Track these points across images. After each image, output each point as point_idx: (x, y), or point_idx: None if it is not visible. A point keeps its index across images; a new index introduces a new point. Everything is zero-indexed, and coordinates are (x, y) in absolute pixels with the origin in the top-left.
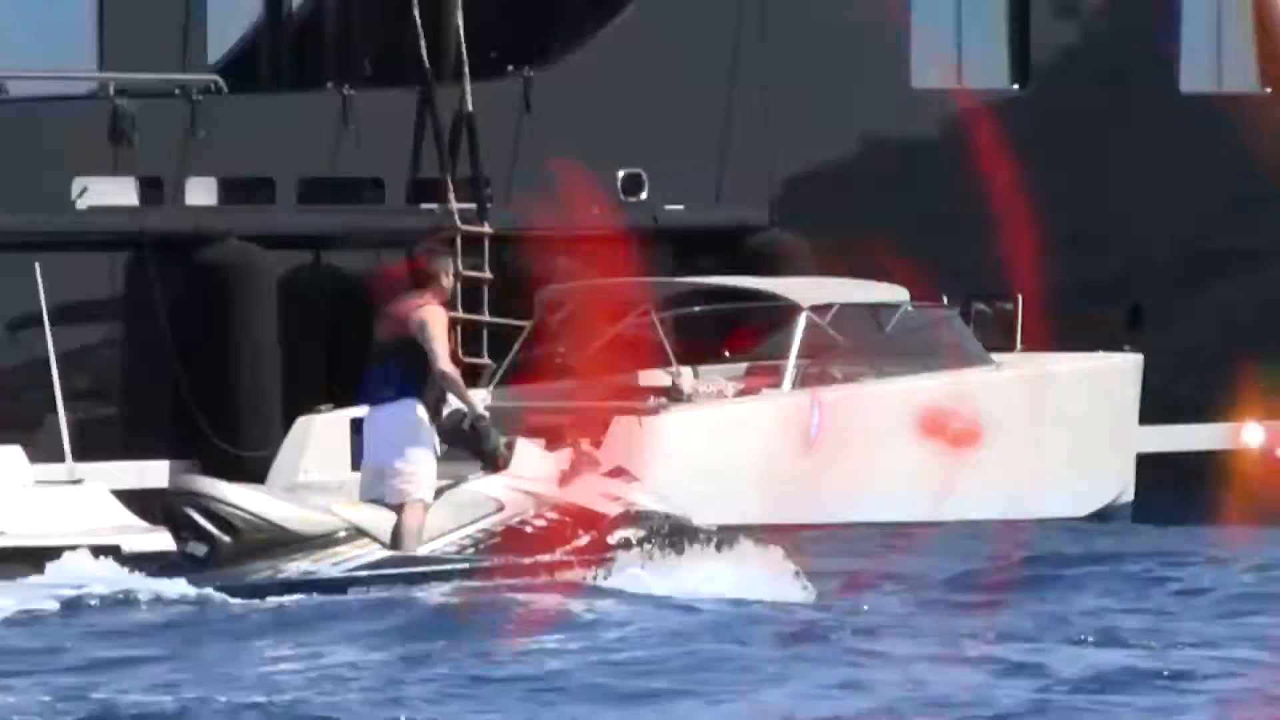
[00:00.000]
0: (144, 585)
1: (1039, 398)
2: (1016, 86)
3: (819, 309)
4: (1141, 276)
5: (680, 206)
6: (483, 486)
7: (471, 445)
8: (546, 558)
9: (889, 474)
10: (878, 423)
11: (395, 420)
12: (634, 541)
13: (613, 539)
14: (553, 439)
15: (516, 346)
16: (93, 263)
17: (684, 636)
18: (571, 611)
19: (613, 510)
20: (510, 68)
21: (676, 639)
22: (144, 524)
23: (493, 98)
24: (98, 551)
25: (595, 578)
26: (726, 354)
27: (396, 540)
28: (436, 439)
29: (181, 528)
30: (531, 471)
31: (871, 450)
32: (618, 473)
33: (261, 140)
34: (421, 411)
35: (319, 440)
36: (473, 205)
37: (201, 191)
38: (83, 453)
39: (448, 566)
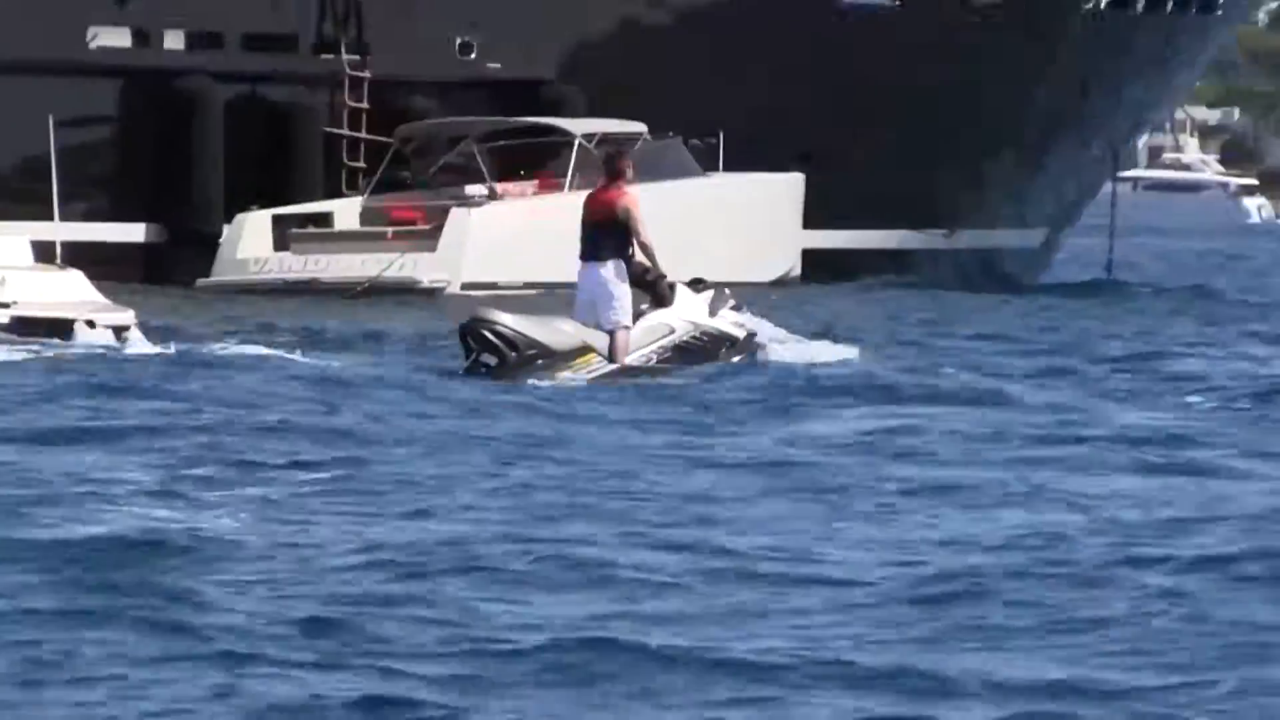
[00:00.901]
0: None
1: (732, 199)
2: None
3: (587, 137)
4: (810, 127)
5: (498, 65)
6: (660, 317)
7: (649, 289)
8: (705, 364)
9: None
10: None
11: (609, 273)
12: (754, 347)
13: (741, 349)
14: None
15: (382, 167)
16: (99, 86)
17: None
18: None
19: (740, 333)
20: None
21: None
22: (109, 303)
23: None
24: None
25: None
26: (522, 172)
27: (612, 354)
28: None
29: (476, 344)
30: (687, 307)
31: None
32: (738, 308)
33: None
34: (624, 268)
35: (251, 231)
36: (359, 56)
37: (174, 40)
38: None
39: (645, 371)
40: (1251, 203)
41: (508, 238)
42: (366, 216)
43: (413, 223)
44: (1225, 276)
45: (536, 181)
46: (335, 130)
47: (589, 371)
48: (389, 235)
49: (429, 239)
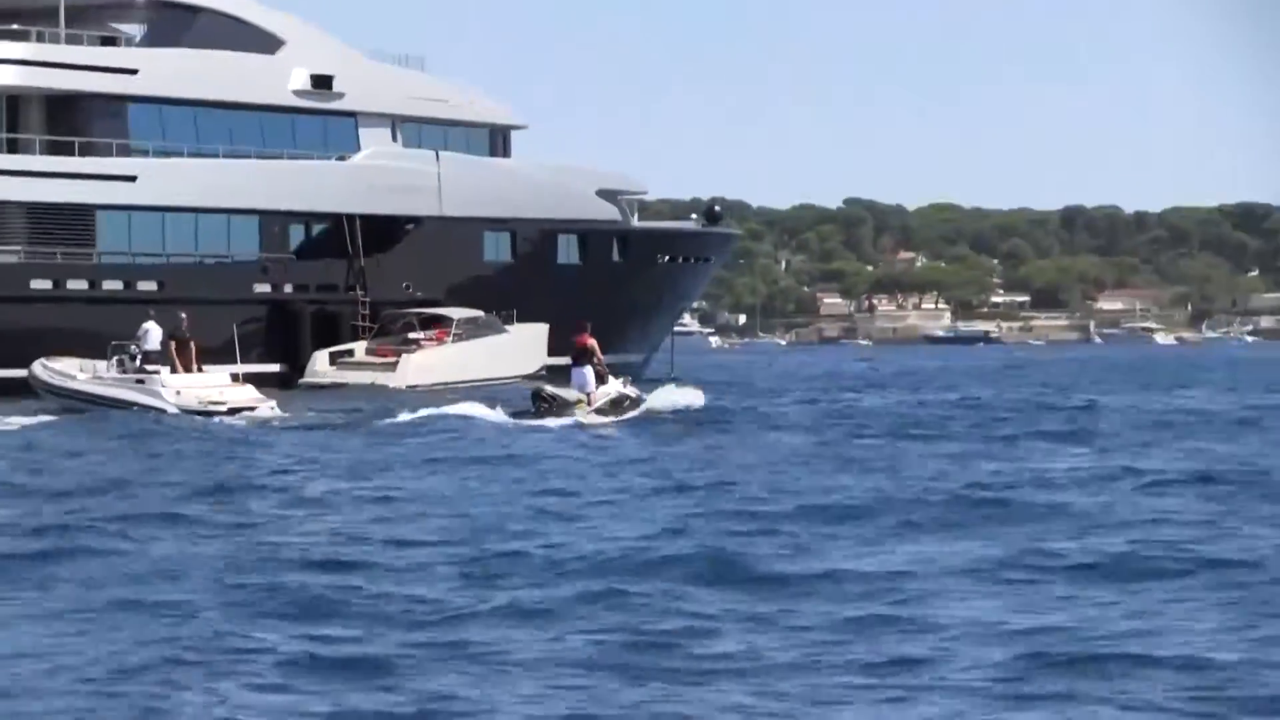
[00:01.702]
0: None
1: (519, 337)
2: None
3: (461, 319)
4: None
5: (420, 293)
6: (605, 387)
7: (599, 378)
8: (615, 414)
9: (483, 362)
10: (477, 348)
11: (588, 371)
12: (640, 399)
13: (636, 401)
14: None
15: (374, 332)
16: (255, 309)
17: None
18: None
19: (634, 393)
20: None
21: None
22: (264, 396)
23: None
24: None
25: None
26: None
27: (589, 402)
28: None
29: (538, 398)
30: (614, 383)
31: (474, 355)
32: (627, 382)
33: (309, 273)
34: (591, 369)
35: (320, 360)
36: (365, 293)
37: (290, 287)
38: (250, 361)
39: (600, 417)
40: None
41: (424, 366)
42: (368, 351)
43: (386, 356)
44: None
45: (437, 335)
46: (358, 324)
47: (583, 411)
48: (376, 363)
49: (392, 366)
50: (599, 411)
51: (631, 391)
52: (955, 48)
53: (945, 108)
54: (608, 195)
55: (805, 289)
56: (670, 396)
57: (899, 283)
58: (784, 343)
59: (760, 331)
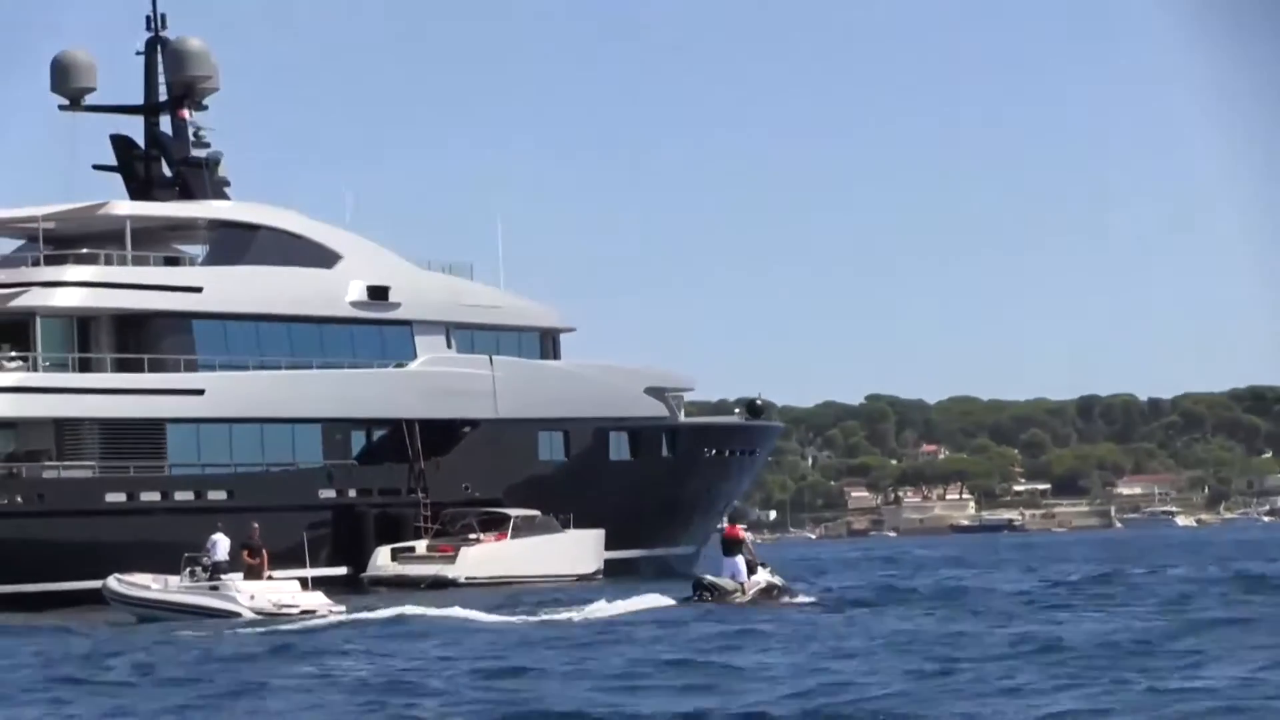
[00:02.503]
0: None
1: (578, 540)
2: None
3: (518, 517)
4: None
5: (478, 493)
6: (756, 576)
7: (750, 568)
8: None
9: (540, 559)
10: (535, 546)
11: (739, 561)
12: (788, 590)
13: (784, 591)
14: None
15: (434, 529)
16: (317, 516)
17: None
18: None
19: (780, 582)
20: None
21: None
22: (330, 601)
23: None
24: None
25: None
26: (482, 531)
27: (743, 591)
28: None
29: (699, 587)
30: (763, 573)
31: (532, 552)
32: (771, 572)
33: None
34: (743, 560)
35: (382, 556)
36: (425, 494)
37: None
38: (317, 565)
39: (754, 602)
40: None
41: (482, 559)
42: (430, 549)
43: (446, 551)
44: None
45: (495, 534)
46: (418, 524)
47: (737, 599)
48: (436, 556)
49: (452, 559)
50: (752, 601)
51: (779, 581)
52: (969, 243)
53: (960, 303)
54: (655, 392)
55: (832, 484)
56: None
57: (923, 475)
58: (814, 536)
59: (791, 526)
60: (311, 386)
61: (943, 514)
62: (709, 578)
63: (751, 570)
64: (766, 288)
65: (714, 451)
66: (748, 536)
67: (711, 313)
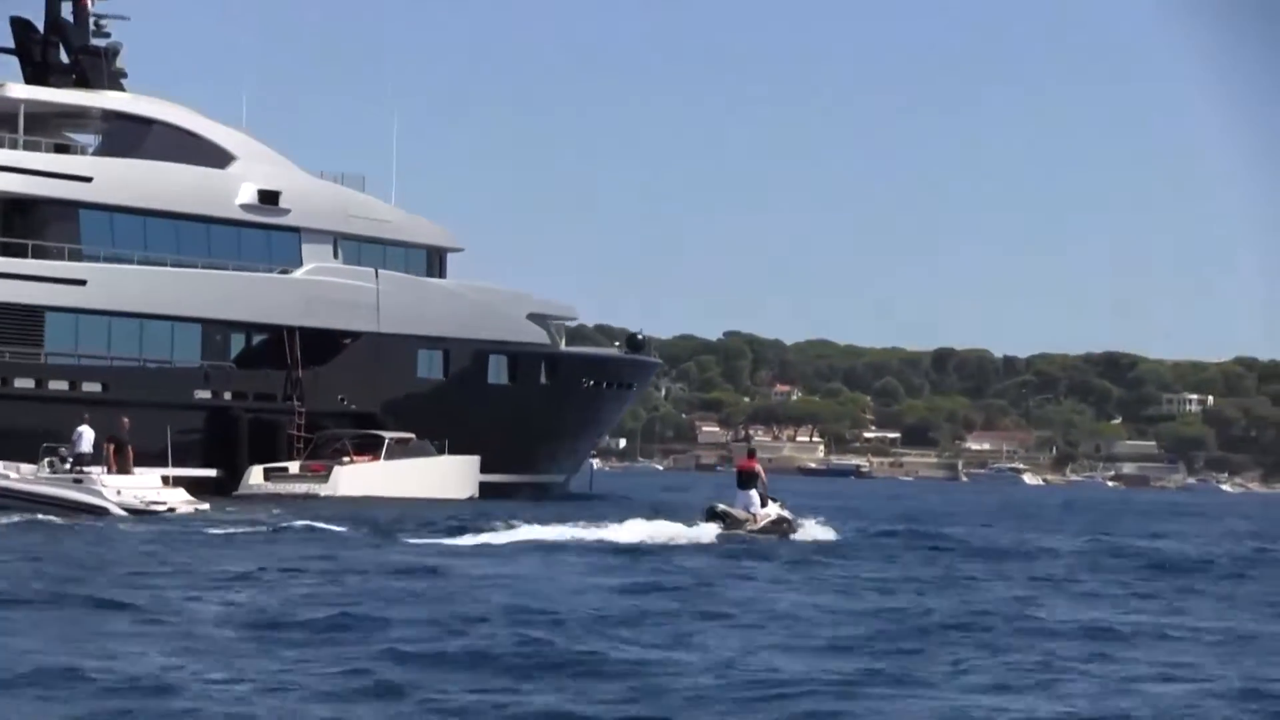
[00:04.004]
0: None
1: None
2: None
3: (393, 440)
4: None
5: (354, 405)
6: (767, 509)
7: (762, 500)
8: (776, 534)
9: (413, 482)
10: (408, 468)
11: (753, 494)
12: (796, 524)
13: (794, 526)
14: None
15: (310, 447)
16: (193, 417)
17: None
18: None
19: (790, 515)
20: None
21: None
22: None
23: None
24: None
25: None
26: (356, 453)
27: (755, 520)
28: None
29: (711, 514)
30: (774, 506)
31: (405, 474)
32: (782, 506)
33: (252, 382)
34: (756, 492)
35: (256, 473)
36: (301, 403)
37: (229, 394)
38: (185, 465)
39: (764, 532)
40: None
41: (355, 479)
42: (303, 468)
43: (318, 470)
44: None
45: (369, 456)
46: (294, 433)
47: (748, 528)
48: (309, 476)
49: (325, 478)
50: (762, 531)
51: (789, 514)
52: (836, 192)
53: (824, 248)
54: (538, 319)
55: (684, 417)
56: (812, 531)
57: (775, 414)
58: (661, 468)
59: (640, 456)
60: (194, 285)
61: (792, 455)
62: (721, 505)
63: (764, 503)
64: (646, 220)
65: (591, 382)
66: (762, 471)
67: (595, 244)
